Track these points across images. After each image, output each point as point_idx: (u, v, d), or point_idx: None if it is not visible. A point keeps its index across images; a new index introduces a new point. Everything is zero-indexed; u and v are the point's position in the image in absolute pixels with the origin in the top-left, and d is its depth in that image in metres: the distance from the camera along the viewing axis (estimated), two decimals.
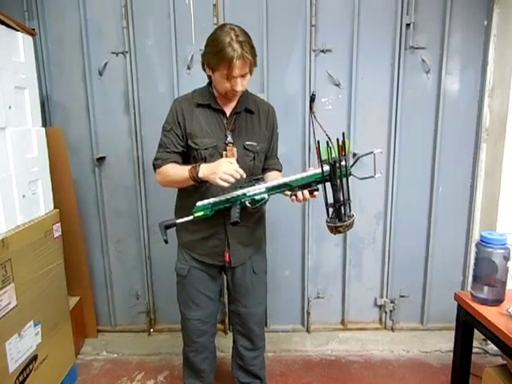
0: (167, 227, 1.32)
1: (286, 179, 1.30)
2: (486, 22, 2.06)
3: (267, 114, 1.51)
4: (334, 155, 1.19)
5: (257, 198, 1.29)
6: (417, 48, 2.07)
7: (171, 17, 2.05)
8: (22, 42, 1.61)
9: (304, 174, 1.29)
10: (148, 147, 2.18)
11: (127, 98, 2.15)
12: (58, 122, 2.17)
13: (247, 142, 1.43)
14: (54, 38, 2.11)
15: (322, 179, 1.25)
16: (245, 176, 1.24)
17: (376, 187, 2.23)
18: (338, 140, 1.18)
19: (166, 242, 1.29)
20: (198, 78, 2.10)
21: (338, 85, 2.12)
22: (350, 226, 1.28)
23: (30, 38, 1.67)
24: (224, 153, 1.40)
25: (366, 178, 1.26)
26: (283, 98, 2.13)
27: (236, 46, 1.24)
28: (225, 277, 1.65)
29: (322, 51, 2.09)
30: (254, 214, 1.53)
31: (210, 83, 1.45)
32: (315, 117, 1.23)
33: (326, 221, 1.31)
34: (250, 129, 1.45)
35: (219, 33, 1.28)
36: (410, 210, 2.26)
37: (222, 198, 1.30)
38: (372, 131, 2.17)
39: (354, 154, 2.11)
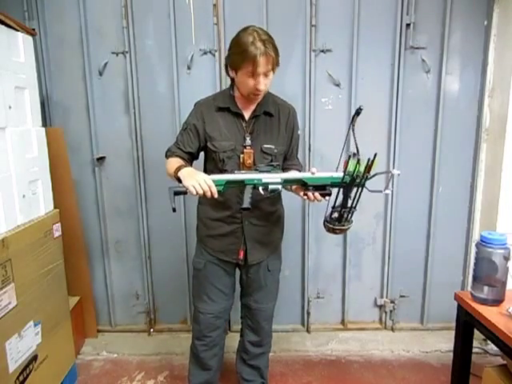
0: (177, 193, 1.23)
1: (303, 175, 1.31)
2: (486, 22, 2.06)
3: (287, 117, 1.52)
4: (359, 171, 1.19)
5: (271, 187, 1.29)
6: (417, 48, 2.07)
7: (171, 17, 2.05)
8: (22, 42, 1.60)
9: (322, 175, 1.29)
10: (148, 147, 2.19)
11: (127, 98, 2.15)
12: (57, 122, 2.17)
13: (265, 145, 1.45)
14: (54, 38, 2.11)
15: (338, 185, 1.27)
16: (216, 196, 1.23)
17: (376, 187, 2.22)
18: (368, 160, 1.18)
19: (174, 210, 1.20)
20: (197, 78, 2.11)
21: (338, 85, 2.12)
22: (346, 230, 1.33)
23: (30, 38, 1.67)
24: (241, 155, 1.42)
25: (375, 191, 1.27)
26: (283, 97, 2.12)
27: (259, 44, 1.27)
28: (238, 271, 1.66)
29: (322, 51, 2.09)
30: (272, 213, 1.55)
31: (231, 86, 1.48)
32: (354, 130, 1.24)
33: (326, 220, 1.33)
34: (268, 132, 1.47)
35: (242, 34, 1.32)
36: (410, 210, 2.26)
37: (238, 177, 1.29)
38: (372, 131, 2.16)
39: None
